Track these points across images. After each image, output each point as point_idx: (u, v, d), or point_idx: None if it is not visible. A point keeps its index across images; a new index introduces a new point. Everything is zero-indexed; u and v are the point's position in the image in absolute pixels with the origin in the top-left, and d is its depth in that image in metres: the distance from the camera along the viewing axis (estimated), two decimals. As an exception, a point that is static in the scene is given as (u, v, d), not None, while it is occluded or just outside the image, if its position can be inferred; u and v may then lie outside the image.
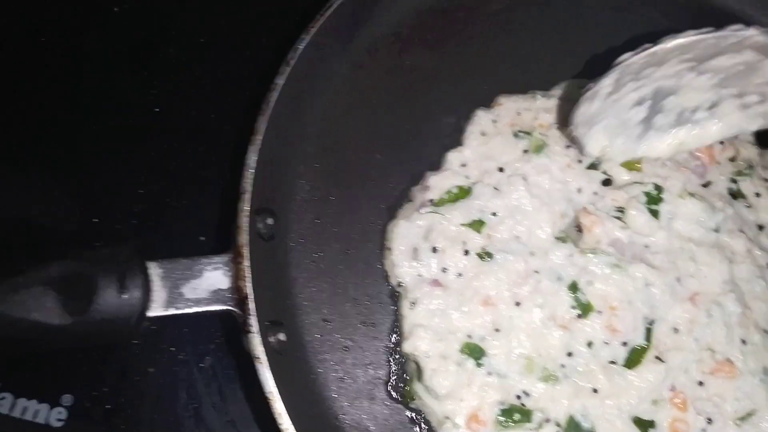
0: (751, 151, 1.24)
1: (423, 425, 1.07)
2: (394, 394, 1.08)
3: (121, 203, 1.19)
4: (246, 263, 0.98)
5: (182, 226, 1.18)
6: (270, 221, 1.06)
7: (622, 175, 1.16)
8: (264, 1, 1.37)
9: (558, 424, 1.05)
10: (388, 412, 1.07)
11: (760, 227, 1.20)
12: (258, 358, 0.95)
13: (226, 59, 1.32)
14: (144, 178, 1.21)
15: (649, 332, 1.09)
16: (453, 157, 1.18)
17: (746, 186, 1.21)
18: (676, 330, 1.09)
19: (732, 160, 1.22)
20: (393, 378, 1.09)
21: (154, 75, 1.31)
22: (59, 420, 1.17)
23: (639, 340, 1.08)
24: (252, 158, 1.03)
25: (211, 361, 1.20)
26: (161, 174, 1.22)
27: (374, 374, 1.09)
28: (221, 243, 1.01)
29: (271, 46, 1.13)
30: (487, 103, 1.22)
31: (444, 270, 1.11)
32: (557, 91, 1.23)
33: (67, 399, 1.19)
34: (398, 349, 1.09)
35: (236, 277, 0.98)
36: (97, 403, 1.18)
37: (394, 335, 1.10)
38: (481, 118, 1.20)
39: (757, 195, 1.22)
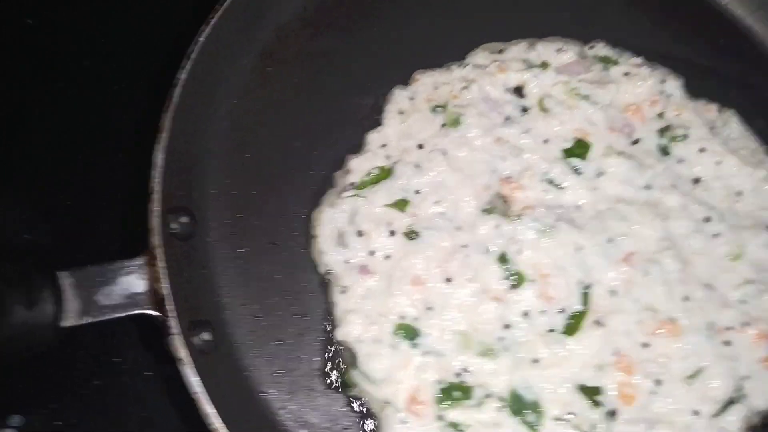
0: (680, 103, 1.24)
1: (364, 412, 1.07)
2: (332, 383, 1.08)
3: (26, 214, 1.19)
4: (161, 265, 0.98)
5: (93, 232, 1.18)
6: (185, 220, 1.06)
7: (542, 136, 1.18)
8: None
9: (500, 399, 1.05)
10: (328, 402, 1.07)
11: (696, 181, 1.20)
12: (181, 359, 0.95)
13: (128, 55, 1.32)
14: (49, 186, 1.20)
15: (585, 297, 1.09)
16: (373, 138, 1.19)
17: (679, 144, 1.21)
18: (613, 292, 1.10)
19: (660, 115, 1.23)
20: (330, 367, 1.09)
21: (54, 76, 1.30)
22: (9, 441, 1.17)
23: (576, 305, 1.09)
24: (159, 157, 1.03)
25: (157, 367, 1.20)
26: (67, 180, 1.21)
27: (310, 365, 1.09)
28: (134, 246, 1.00)
29: (174, 39, 1.12)
30: (405, 80, 1.23)
31: (371, 253, 1.11)
32: (472, 58, 1.24)
33: (16, 420, 1.19)
34: (332, 337, 1.09)
35: (152, 279, 0.98)
36: (47, 421, 1.18)
37: (327, 324, 1.10)
38: (398, 96, 1.22)
39: (701, 150, 1.22)
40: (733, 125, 1.26)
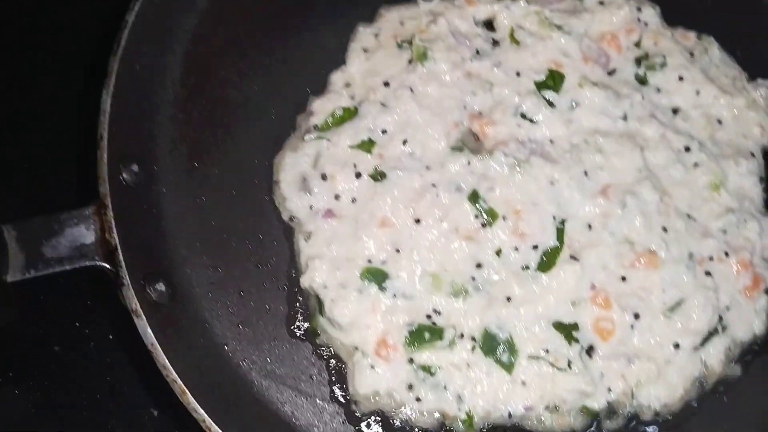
0: (657, 31, 1.20)
1: (332, 360, 1.05)
2: (298, 332, 1.06)
3: None
4: (110, 214, 0.94)
5: (38, 182, 1.13)
6: (135, 167, 1.02)
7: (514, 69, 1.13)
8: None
9: (473, 339, 1.03)
10: (293, 351, 1.05)
11: (675, 111, 1.17)
12: (134, 310, 0.93)
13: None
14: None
15: (560, 232, 1.07)
16: (336, 78, 1.15)
17: (657, 73, 1.17)
18: (589, 226, 1.07)
19: (637, 44, 1.18)
20: (295, 316, 1.06)
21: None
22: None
23: (550, 241, 1.06)
24: (107, 102, 0.99)
25: (118, 331, 1.16)
26: (13, 128, 1.17)
27: (275, 315, 1.06)
28: (83, 196, 0.96)
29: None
30: (369, 17, 1.19)
31: (337, 197, 1.08)
32: (440, -10, 1.19)
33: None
34: (297, 285, 1.06)
35: (102, 229, 0.94)
36: (7, 388, 1.15)
37: (292, 271, 1.07)
38: (362, 34, 1.18)
39: (680, 79, 1.18)
40: (714, 52, 1.23)
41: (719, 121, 1.17)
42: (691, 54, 1.20)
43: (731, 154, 1.15)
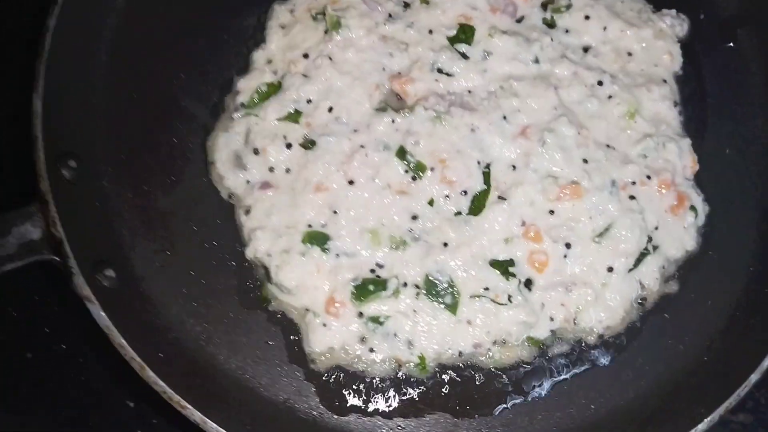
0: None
1: (286, 324, 1.10)
2: (250, 302, 1.11)
3: None
4: (52, 209, 0.98)
5: None
6: (72, 163, 1.05)
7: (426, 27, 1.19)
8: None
9: (416, 285, 1.08)
10: (249, 321, 1.10)
11: (585, 49, 1.22)
12: (87, 297, 0.97)
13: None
14: None
15: (486, 175, 1.12)
16: (258, 56, 1.20)
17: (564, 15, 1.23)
18: (513, 167, 1.13)
19: (542, -12, 1.24)
20: (246, 287, 1.11)
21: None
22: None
23: (478, 185, 1.12)
24: (38, 104, 1.02)
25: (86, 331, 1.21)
26: None
27: (227, 289, 1.11)
28: (27, 195, 1.00)
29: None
30: (284, -5, 1.23)
31: (271, 169, 1.13)
32: (346, -41, 1.24)
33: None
34: (243, 258, 1.11)
35: (46, 224, 0.98)
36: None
37: (237, 246, 1.12)
38: (277, 12, 1.22)
39: (587, 18, 1.23)
40: (617, -13, 1.28)
41: (629, 53, 1.22)
42: (595, -8, 1.26)
43: (643, 82, 1.20)
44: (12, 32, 1.30)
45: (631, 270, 1.11)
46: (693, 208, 1.15)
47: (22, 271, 0.99)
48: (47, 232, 0.98)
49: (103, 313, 0.96)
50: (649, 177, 1.14)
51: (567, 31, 1.22)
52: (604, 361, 1.10)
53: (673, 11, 1.28)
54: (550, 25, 1.22)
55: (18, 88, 1.09)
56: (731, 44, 1.30)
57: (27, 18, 1.20)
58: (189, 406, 0.95)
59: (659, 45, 1.24)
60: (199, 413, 0.95)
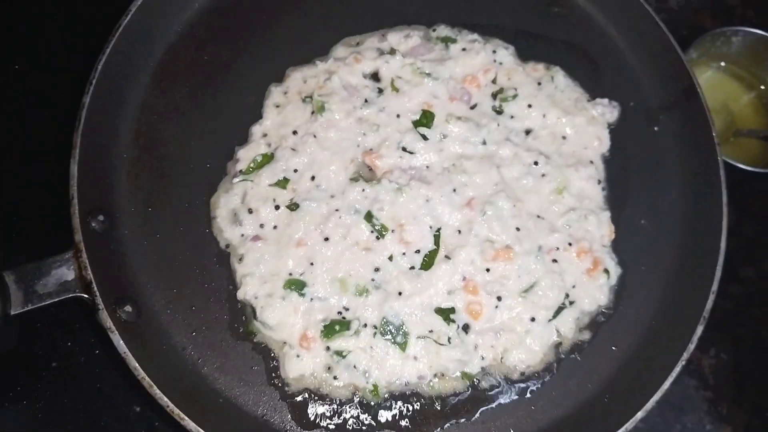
0: (510, 68, 1.49)
1: (267, 353, 1.32)
2: (239, 334, 1.33)
3: None
4: (84, 256, 1.22)
5: (28, 235, 1.43)
6: (101, 217, 1.30)
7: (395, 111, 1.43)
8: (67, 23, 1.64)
9: (374, 326, 1.30)
10: (237, 349, 1.31)
11: (527, 132, 1.46)
12: (109, 328, 1.20)
13: (43, 86, 1.59)
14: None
15: (437, 238, 1.35)
16: (255, 130, 1.43)
17: (510, 103, 1.46)
18: (459, 231, 1.36)
19: (494, 81, 1.48)
20: (236, 322, 1.33)
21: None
22: (-14, 422, 1.42)
23: (429, 246, 1.35)
24: (74, 168, 1.27)
25: (103, 346, 1.45)
26: (3, 195, 1.48)
27: (221, 322, 1.33)
28: (64, 243, 1.25)
29: (78, 68, 1.37)
30: (279, 77, 1.48)
31: (261, 226, 1.36)
32: (334, 52, 1.49)
33: (-14, 407, 1.43)
34: (235, 297, 1.34)
35: (79, 268, 1.23)
36: (15, 401, 1.43)
37: (230, 287, 1.35)
38: (273, 93, 1.46)
39: (529, 106, 1.48)
40: (559, 79, 1.50)
41: (563, 137, 1.45)
42: (539, 83, 1.48)
43: (573, 163, 1.43)
44: (52, 105, 1.55)
45: (550, 320, 1.32)
46: (606, 270, 1.38)
47: (57, 303, 1.24)
48: (79, 275, 1.22)
49: (122, 342, 1.19)
50: (570, 244, 1.36)
51: (512, 117, 1.45)
52: (523, 394, 1.31)
53: (606, 100, 1.50)
54: (498, 111, 1.45)
55: (56, 154, 1.34)
56: (655, 128, 1.53)
57: (65, 93, 1.45)
58: (186, 418, 1.16)
59: (590, 130, 1.46)
60: (195, 424, 1.16)
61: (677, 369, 1.27)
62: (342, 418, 1.29)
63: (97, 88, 1.33)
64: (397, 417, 1.30)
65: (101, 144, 1.34)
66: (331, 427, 1.28)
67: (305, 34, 1.51)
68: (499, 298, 1.33)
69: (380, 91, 1.45)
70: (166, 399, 1.18)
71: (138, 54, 1.44)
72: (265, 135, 1.42)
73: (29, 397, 1.43)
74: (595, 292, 1.37)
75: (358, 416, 1.29)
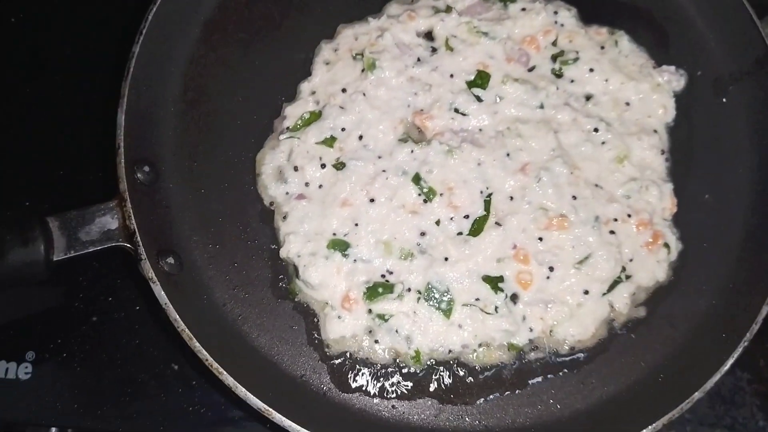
0: (572, 30, 1.42)
1: (308, 313, 1.31)
2: (280, 293, 1.32)
3: (20, 171, 1.45)
4: (129, 206, 1.21)
5: (75, 183, 1.44)
6: (146, 168, 1.29)
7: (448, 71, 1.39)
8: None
9: (418, 291, 1.27)
10: (278, 308, 1.31)
11: (588, 97, 1.40)
12: (151, 278, 1.19)
13: (94, 29, 1.60)
14: (38, 147, 1.49)
15: (487, 203, 1.31)
16: (304, 87, 1.40)
17: (571, 67, 1.40)
18: (511, 198, 1.31)
19: (554, 43, 1.42)
20: (277, 281, 1.32)
21: (41, 66, 1.57)
22: (26, 373, 1.43)
23: (479, 211, 1.31)
24: (121, 117, 1.26)
25: (144, 301, 1.45)
26: (52, 141, 1.49)
27: (262, 280, 1.32)
28: (108, 192, 1.24)
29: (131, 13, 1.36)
30: (330, 34, 1.45)
31: (306, 184, 1.34)
32: (387, 9, 1.45)
33: (30, 355, 1.45)
34: (278, 256, 1.32)
35: (123, 218, 1.22)
36: (55, 353, 1.44)
37: (273, 245, 1.33)
38: (324, 49, 1.43)
39: (591, 70, 1.41)
40: (623, 44, 1.44)
41: (627, 104, 1.39)
42: (602, 47, 1.42)
43: (636, 131, 1.37)
44: (102, 53, 1.55)
45: (604, 294, 1.28)
46: (666, 245, 1.32)
47: (99, 253, 1.24)
48: (123, 224, 1.21)
49: (163, 293, 1.18)
50: (629, 215, 1.31)
51: (572, 81, 1.40)
52: (573, 369, 1.27)
53: (673, 67, 1.43)
54: (558, 75, 1.40)
55: (103, 103, 1.34)
56: (723, 99, 1.45)
57: (115, 43, 1.44)
58: (225, 372, 1.15)
59: (655, 98, 1.40)
60: (233, 379, 1.15)
61: (738, 350, 1.20)
62: (382, 383, 1.27)
63: (147, 38, 1.31)
64: (438, 385, 1.27)
65: (149, 95, 1.33)
66: (371, 391, 1.26)
67: (359, -11, 1.48)
68: (551, 269, 1.28)
69: (434, 50, 1.41)
70: (205, 352, 1.17)
71: (188, 6, 1.42)
72: (313, 92, 1.39)
73: (68, 351, 1.44)
74: (653, 267, 1.32)
75: (398, 382, 1.27)
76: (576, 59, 1.40)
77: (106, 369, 1.43)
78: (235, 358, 1.22)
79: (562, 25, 1.43)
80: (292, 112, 1.37)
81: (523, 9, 1.43)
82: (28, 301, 1.49)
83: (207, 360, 1.17)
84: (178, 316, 1.18)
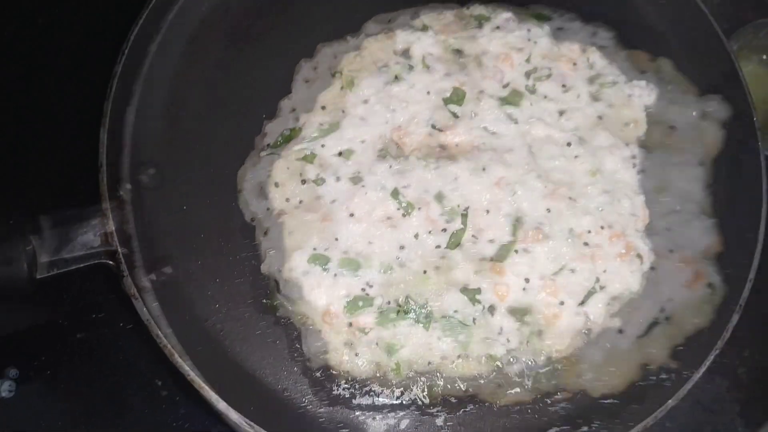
0: (546, 47, 1.46)
1: (289, 327, 1.32)
2: (262, 307, 1.33)
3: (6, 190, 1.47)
4: (111, 223, 1.24)
5: (59, 198, 1.49)
6: (128, 186, 1.31)
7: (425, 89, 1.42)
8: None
9: (398, 304, 1.29)
10: (259, 322, 1.32)
11: (561, 112, 1.43)
12: (133, 294, 1.21)
13: (77, 49, 1.64)
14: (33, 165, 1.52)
15: (464, 217, 1.33)
16: (284, 105, 1.43)
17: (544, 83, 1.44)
18: (487, 211, 1.34)
19: (528, 60, 1.45)
20: (259, 295, 1.34)
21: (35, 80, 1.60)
22: (9, 391, 1.44)
23: (456, 225, 1.33)
24: (104, 136, 1.28)
25: (128, 319, 1.47)
26: (32, 161, 1.52)
27: (244, 295, 1.33)
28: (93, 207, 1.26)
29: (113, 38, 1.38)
30: (310, 53, 1.47)
31: (287, 200, 1.36)
32: (365, 28, 1.48)
33: (13, 372, 1.46)
34: (259, 271, 1.34)
35: (105, 235, 1.24)
36: (39, 371, 1.45)
37: (254, 261, 1.35)
38: (303, 68, 1.45)
39: (563, 86, 1.44)
40: (596, 60, 1.47)
41: (599, 117, 1.42)
42: (574, 64, 1.45)
43: (608, 146, 1.39)
44: (85, 75, 1.58)
45: (580, 305, 1.30)
46: (639, 255, 1.34)
47: (83, 270, 1.25)
48: (105, 241, 1.22)
49: (146, 309, 1.20)
50: (602, 227, 1.33)
51: (545, 96, 1.42)
52: (551, 379, 1.28)
53: (643, 82, 1.45)
54: (532, 91, 1.42)
55: (88, 118, 1.35)
56: (694, 113, 1.46)
57: (98, 62, 1.45)
58: (206, 387, 1.17)
59: (627, 112, 1.42)
60: (214, 393, 1.16)
61: (710, 358, 1.23)
62: (363, 395, 1.28)
63: (129, 57, 1.34)
64: (418, 396, 1.28)
65: (131, 113, 1.35)
66: (353, 403, 1.27)
67: (337, 10, 1.51)
68: (526, 280, 1.30)
69: (411, 67, 1.44)
70: (186, 367, 1.19)
71: (170, 25, 1.44)
72: (293, 109, 1.42)
73: (52, 368, 1.46)
74: (627, 278, 1.33)
75: (379, 394, 1.28)
76: (549, 75, 1.43)
77: (91, 386, 1.45)
78: (217, 372, 1.24)
79: (535, 42, 1.46)
80: (273, 129, 1.40)
81: (498, 27, 1.46)
82: (11, 317, 1.50)
83: (189, 375, 1.19)
84: (159, 332, 1.20)
